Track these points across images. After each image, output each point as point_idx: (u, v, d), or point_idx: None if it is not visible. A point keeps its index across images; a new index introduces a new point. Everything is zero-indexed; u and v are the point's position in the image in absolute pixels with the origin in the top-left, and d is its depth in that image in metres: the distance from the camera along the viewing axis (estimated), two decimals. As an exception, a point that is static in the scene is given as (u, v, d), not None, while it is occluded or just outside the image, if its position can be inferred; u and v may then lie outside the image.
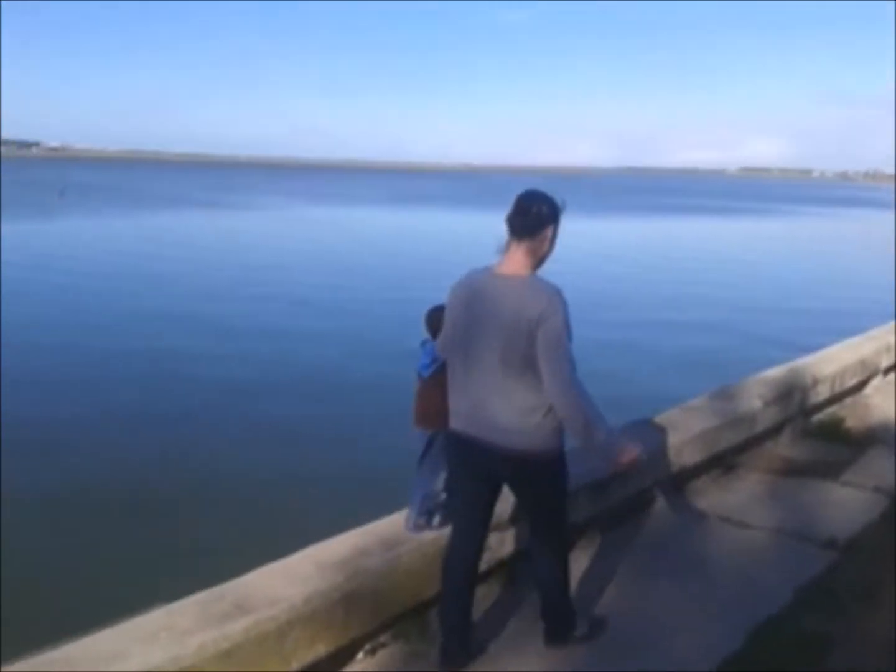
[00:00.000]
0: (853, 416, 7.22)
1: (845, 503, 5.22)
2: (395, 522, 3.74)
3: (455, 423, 3.28)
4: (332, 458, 8.42)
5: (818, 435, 6.64)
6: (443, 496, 3.67)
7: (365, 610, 3.36)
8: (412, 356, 3.72)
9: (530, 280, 3.09)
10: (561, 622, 3.51)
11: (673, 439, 5.17)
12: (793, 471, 5.86)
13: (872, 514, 5.00)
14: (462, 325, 3.19)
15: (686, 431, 5.34)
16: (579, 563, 4.23)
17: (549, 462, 3.18)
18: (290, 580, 3.24)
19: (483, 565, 3.82)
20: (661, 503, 4.97)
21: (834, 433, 6.69)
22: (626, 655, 3.46)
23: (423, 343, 3.62)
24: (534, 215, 3.09)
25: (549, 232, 3.11)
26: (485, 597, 3.85)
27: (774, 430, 6.35)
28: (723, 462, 5.72)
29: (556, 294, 3.03)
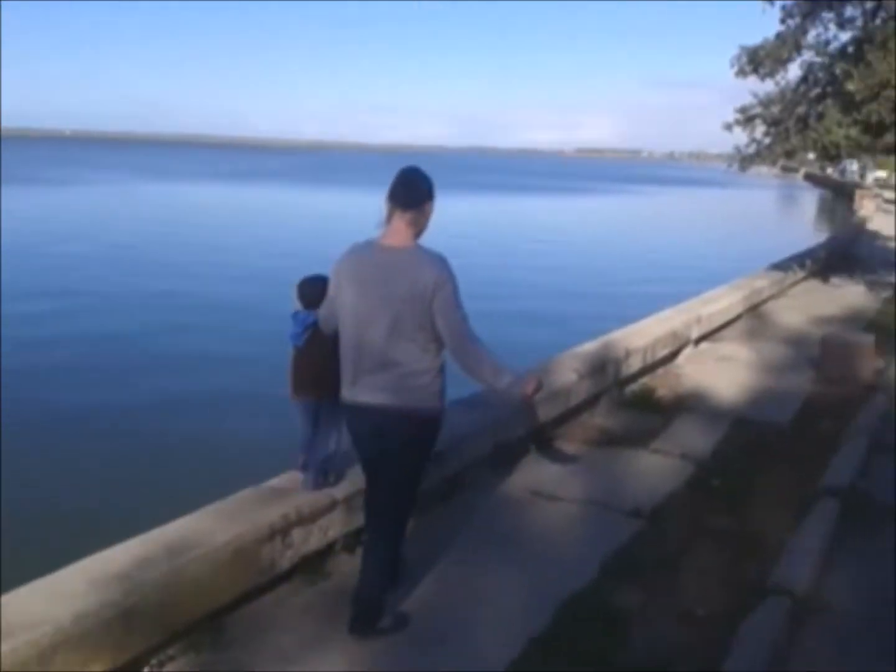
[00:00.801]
0: (665, 385, 7.52)
1: (653, 471, 5.38)
2: (181, 527, 3.47)
3: (347, 391, 3.39)
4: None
5: (632, 405, 6.86)
6: (337, 457, 3.87)
7: (148, 625, 3.08)
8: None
9: (418, 250, 3.29)
10: (371, 611, 3.42)
11: (490, 417, 5.15)
12: (607, 441, 6.01)
13: (678, 481, 5.17)
14: (353, 295, 3.30)
15: (503, 408, 5.33)
16: (390, 551, 4.12)
17: (434, 420, 3.39)
18: (57, 599, 2.91)
19: (286, 563, 3.67)
20: (475, 482, 4.93)
21: (646, 402, 6.93)
22: (430, 644, 3.37)
23: (295, 314, 3.75)
24: (418, 189, 3.32)
25: (429, 206, 3.33)
26: (288, 595, 3.68)
27: (590, 402, 6.49)
28: (541, 436, 5.78)
29: (444, 262, 3.27)
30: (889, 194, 50.67)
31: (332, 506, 3.86)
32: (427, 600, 3.70)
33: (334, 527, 3.90)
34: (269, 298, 16.33)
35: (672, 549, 4.19)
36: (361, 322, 3.28)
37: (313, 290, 3.65)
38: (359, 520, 4.02)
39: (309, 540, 3.76)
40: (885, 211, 37.44)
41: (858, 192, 47.05)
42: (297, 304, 3.76)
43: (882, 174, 72.33)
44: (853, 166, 61.22)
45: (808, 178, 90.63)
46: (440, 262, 3.25)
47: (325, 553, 3.90)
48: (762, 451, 5.79)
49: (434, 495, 4.57)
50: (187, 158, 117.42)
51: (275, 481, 4.03)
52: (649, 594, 3.77)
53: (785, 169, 16.11)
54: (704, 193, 77.06)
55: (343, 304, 3.35)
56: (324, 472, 3.91)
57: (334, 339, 3.46)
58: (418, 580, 3.86)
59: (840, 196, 59.56)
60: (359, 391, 3.33)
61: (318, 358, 3.65)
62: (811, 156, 12.14)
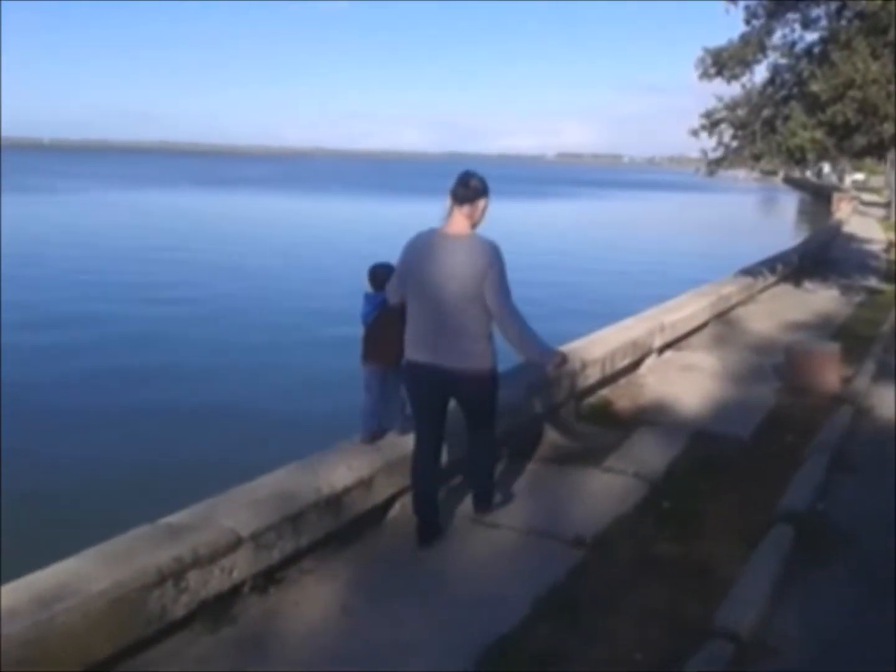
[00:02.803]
0: (625, 397, 7.21)
1: (603, 493, 5.05)
2: (57, 573, 3.10)
3: (414, 354, 4.05)
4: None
5: (588, 419, 6.54)
6: (403, 411, 4.52)
7: (8, 686, 2.73)
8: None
9: (474, 237, 3.97)
10: (489, 493, 4.51)
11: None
12: (560, 458, 5.68)
13: (627, 504, 4.83)
14: (419, 275, 3.96)
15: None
16: (305, 590, 3.78)
17: (490, 377, 4.11)
18: None
19: (180, 609, 3.30)
20: (406, 510, 4.58)
21: (604, 416, 6.63)
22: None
23: (367, 294, 4.49)
24: (472, 187, 3.96)
25: (482, 203, 3.99)
26: (184, 645, 3.32)
27: (545, 416, 6.16)
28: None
29: (495, 247, 3.96)
30: (867, 196, 50.88)
31: (237, 544, 3.51)
32: (342, 644, 3.36)
33: (240, 567, 3.54)
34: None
35: (612, 584, 3.85)
36: (427, 296, 3.94)
37: (381, 274, 4.38)
38: (270, 558, 3.70)
39: (209, 583, 3.40)
40: (862, 213, 37.53)
41: (836, 195, 47.11)
42: (367, 287, 4.49)
43: (860, 177, 72.76)
44: (826, 169, 61.48)
45: (788, 181, 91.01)
46: (492, 247, 3.94)
47: (229, 596, 3.55)
48: (719, 468, 5.46)
49: (356, 528, 4.23)
50: (166, 166, 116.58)
51: (179, 516, 3.68)
52: (583, 636, 3.43)
53: (764, 172, 16.01)
54: (684, 198, 77.13)
55: (411, 280, 4.01)
56: (405, 418, 4.51)
57: (400, 313, 4.16)
58: (334, 622, 3.53)
59: (819, 199, 59.70)
60: (425, 354, 3.99)
61: (384, 331, 4.35)
62: (777, 160, 11.85)
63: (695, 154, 13.12)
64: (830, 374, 7.33)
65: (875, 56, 9.47)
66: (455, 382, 4.00)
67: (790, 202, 70.76)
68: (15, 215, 34.27)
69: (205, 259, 23.40)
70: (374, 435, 4.55)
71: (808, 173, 67.55)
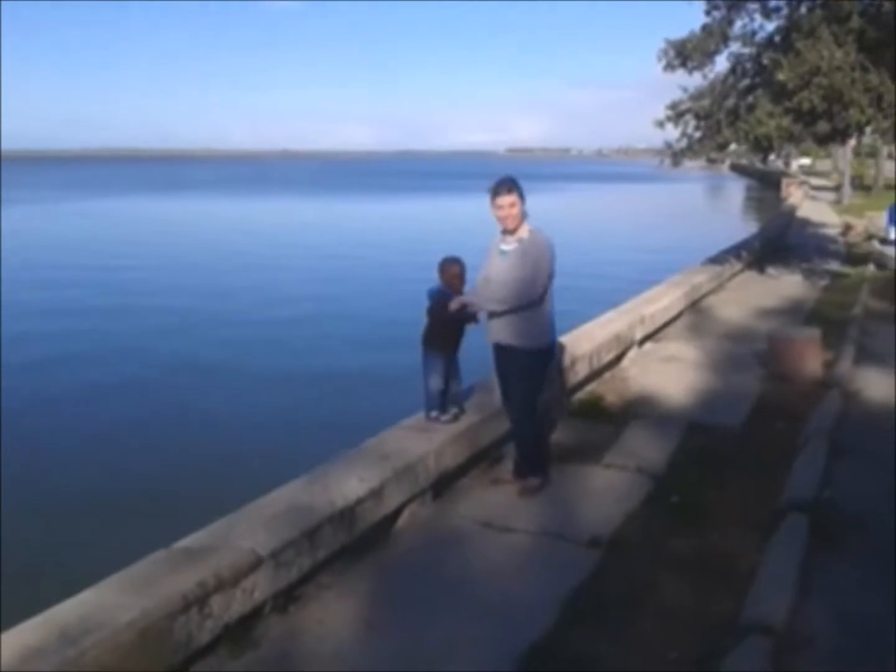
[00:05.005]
0: (612, 391, 7.22)
1: (608, 490, 5.04)
2: (81, 604, 2.98)
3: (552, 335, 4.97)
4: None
5: (581, 414, 6.53)
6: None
7: (39, 729, 2.61)
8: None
9: None
10: (521, 466, 5.12)
11: (429, 444, 4.75)
12: (558, 456, 5.65)
13: (635, 500, 4.83)
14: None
15: (445, 432, 4.96)
16: (327, 606, 3.69)
17: None
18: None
19: (205, 636, 3.19)
20: (415, 518, 4.52)
21: (595, 411, 6.61)
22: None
23: (429, 290, 5.01)
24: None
25: None
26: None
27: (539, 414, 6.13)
28: (488, 457, 5.42)
29: None
30: (815, 181, 51.91)
31: (257, 564, 3.41)
32: (369, 662, 3.28)
33: (261, 587, 3.44)
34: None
35: (636, 584, 3.83)
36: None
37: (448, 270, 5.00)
38: (289, 576, 3.61)
39: (231, 606, 3.30)
40: (813, 198, 38.27)
41: (785, 181, 47.97)
42: (438, 280, 4.99)
43: (806, 161, 74.13)
44: (772, 155, 62.57)
45: (734, 168, 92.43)
46: None
47: (252, 618, 3.45)
48: (718, 459, 5.49)
49: (366, 539, 4.15)
50: (117, 172, 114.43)
51: (196, 537, 3.57)
52: (616, 639, 3.40)
53: (710, 161, 16.00)
54: (635, 188, 77.87)
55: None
56: (441, 406, 5.05)
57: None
58: (360, 638, 3.45)
59: (766, 184, 60.72)
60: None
61: (444, 321, 4.86)
62: (743, 148, 12.00)
63: (642, 145, 13.27)
64: (813, 360, 7.42)
65: (838, 44, 9.64)
66: None
67: (737, 189, 71.87)
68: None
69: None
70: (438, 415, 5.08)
71: (756, 160, 68.75)
